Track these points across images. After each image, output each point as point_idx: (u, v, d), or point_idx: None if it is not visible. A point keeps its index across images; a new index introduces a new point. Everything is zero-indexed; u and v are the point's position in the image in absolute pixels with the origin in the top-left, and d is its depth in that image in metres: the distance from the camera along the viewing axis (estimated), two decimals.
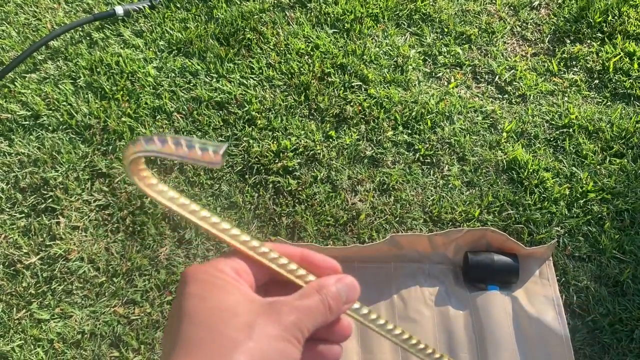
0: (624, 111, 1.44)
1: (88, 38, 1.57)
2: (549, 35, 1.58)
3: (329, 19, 1.58)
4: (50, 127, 1.42)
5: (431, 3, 1.62)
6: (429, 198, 1.32)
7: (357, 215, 1.30)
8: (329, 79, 1.48)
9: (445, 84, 1.49)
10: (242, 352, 0.31)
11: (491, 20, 1.59)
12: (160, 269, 1.24)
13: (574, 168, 1.35)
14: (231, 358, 0.31)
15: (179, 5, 1.61)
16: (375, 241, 1.25)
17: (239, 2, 1.62)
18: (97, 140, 1.39)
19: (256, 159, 1.36)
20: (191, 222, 0.38)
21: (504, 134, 1.40)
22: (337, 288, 0.37)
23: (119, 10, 1.56)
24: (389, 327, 0.39)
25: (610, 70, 1.50)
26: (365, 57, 1.52)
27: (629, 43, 1.54)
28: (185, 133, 1.40)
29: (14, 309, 1.21)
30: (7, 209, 1.32)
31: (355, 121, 1.42)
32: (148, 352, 1.17)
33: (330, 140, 1.39)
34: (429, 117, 1.42)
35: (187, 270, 0.35)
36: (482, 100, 1.46)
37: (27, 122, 1.43)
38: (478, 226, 1.28)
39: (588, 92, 1.48)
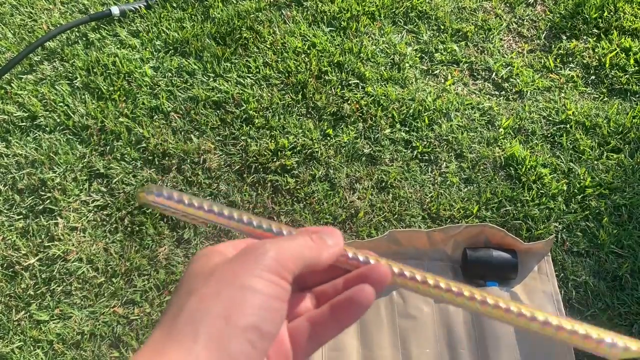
0: (620, 107, 1.44)
1: (84, 39, 1.56)
2: (545, 32, 1.58)
3: (325, 17, 1.58)
4: (47, 128, 1.41)
5: (427, 0, 1.62)
6: (427, 195, 1.32)
7: (355, 213, 1.30)
8: (326, 78, 1.48)
9: (442, 81, 1.49)
10: (196, 299, 0.31)
11: (487, 17, 1.60)
12: (160, 268, 1.24)
13: (571, 164, 1.36)
14: (186, 307, 0.31)
15: (175, 4, 1.61)
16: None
17: (235, 1, 1.62)
18: (95, 140, 1.39)
19: (254, 158, 1.36)
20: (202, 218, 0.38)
21: (502, 131, 1.40)
22: (320, 231, 0.37)
23: (115, 10, 1.55)
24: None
25: (607, 66, 1.50)
26: (362, 55, 1.52)
27: (625, 39, 1.54)
28: (182, 133, 1.40)
29: (13, 310, 1.21)
30: (5, 211, 1.31)
31: (352, 119, 1.42)
32: None
33: (328, 138, 1.39)
34: (426, 114, 1.42)
35: (198, 251, 0.35)
36: (479, 97, 1.47)
37: (24, 123, 1.42)
38: (476, 222, 1.28)
39: (585, 88, 1.48)
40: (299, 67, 1.49)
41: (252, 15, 1.58)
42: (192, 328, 0.30)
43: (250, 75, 1.49)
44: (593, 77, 1.50)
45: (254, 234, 0.38)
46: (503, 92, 1.48)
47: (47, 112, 1.43)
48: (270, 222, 0.38)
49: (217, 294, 0.31)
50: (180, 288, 0.33)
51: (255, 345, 0.30)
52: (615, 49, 1.52)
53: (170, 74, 1.49)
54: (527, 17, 1.60)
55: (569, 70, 1.51)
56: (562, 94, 1.47)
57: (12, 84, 1.48)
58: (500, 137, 1.39)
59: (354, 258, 0.38)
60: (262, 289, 0.31)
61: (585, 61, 1.52)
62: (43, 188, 1.33)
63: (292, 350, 0.35)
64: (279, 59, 1.51)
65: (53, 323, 1.19)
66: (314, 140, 1.38)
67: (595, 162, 1.36)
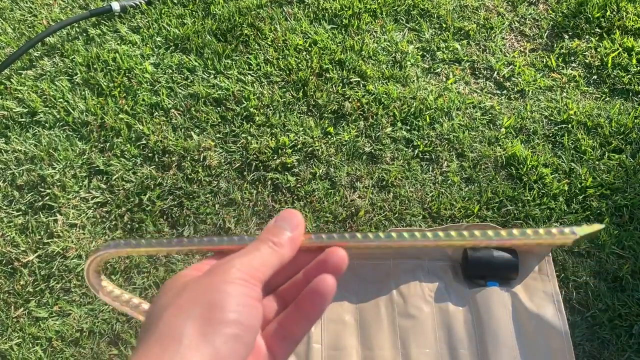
0: (622, 107, 1.44)
1: (84, 34, 1.56)
2: (548, 31, 1.58)
3: (326, 14, 1.58)
4: (47, 124, 1.41)
5: None
6: (428, 194, 1.32)
7: (356, 211, 1.29)
8: (327, 75, 1.47)
9: (444, 79, 1.49)
10: (176, 304, 0.32)
11: (489, 16, 1.59)
12: (159, 266, 1.24)
13: (572, 164, 1.35)
14: (165, 313, 0.32)
15: (175, 1, 1.60)
16: None
17: None
18: (95, 137, 1.39)
19: (254, 156, 1.36)
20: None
21: (503, 130, 1.40)
22: (276, 223, 0.38)
23: (116, 6, 1.55)
24: (347, 234, 0.39)
25: (609, 65, 1.49)
26: (363, 53, 1.51)
27: (628, 38, 1.54)
28: (183, 130, 1.40)
29: (12, 307, 1.20)
30: (4, 207, 1.31)
31: (353, 117, 1.41)
32: None
33: (329, 136, 1.39)
34: (427, 113, 1.41)
35: (161, 288, 0.38)
36: (480, 96, 1.46)
37: (23, 119, 1.42)
38: (477, 222, 1.27)
39: (587, 88, 1.48)
40: (300, 65, 1.48)
41: (253, 12, 1.57)
42: (175, 332, 0.31)
43: (251, 72, 1.48)
44: (595, 76, 1.49)
45: (217, 250, 0.40)
46: (505, 91, 1.47)
47: (47, 108, 1.43)
48: (225, 236, 0.41)
49: (195, 300, 0.33)
50: (153, 309, 0.35)
51: (240, 338, 0.32)
52: (618, 49, 1.52)
53: (170, 71, 1.48)
54: (529, 16, 1.60)
55: (571, 69, 1.50)
56: (564, 94, 1.46)
57: (11, 80, 1.47)
58: (502, 137, 1.39)
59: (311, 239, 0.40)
60: (237, 290, 0.33)
61: (587, 61, 1.51)
62: (42, 184, 1.33)
63: (270, 354, 0.37)
64: (280, 56, 1.50)
65: (52, 320, 1.19)
66: (315, 139, 1.38)
67: (597, 162, 1.36)
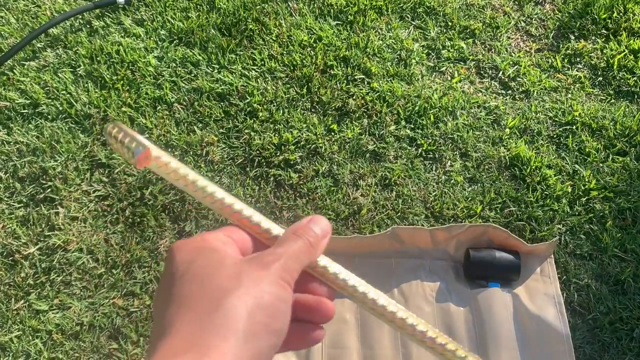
0: (627, 109, 1.43)
1: (88, 26, 1.55)
2: (554, 31, 1.57)
3: (332, 10, 1.57)
4: (49, 116, 1.40)
5: None
6: (431, 193, 1.31)
7: (358, 210, 1.29)
8: (332, 72, 1.46)
9: (449, 78, 1.48)
10: (234, 298, 0.32)
11: (495, 15, 1.58)
12: (160, 261, 1.23)
13: (576, 165, 1.35)
14: (224, 304, 0.32)
15: None
16: None
17: None
18: (97, 130, 1.38)
19: (257, 152, 1.35)
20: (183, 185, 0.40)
21: (507, 130, 1.39)
22: (312, 226, 0.38)
23: None
24: (360, 289, 0.40)
25: (615, 67, 1.49)
26: (368, 50, 1.50)
27: (634, 40, 1.53)
28: (186, 124, 1.39)
29: (12, 299, 1.20)
30: (6, 199, 1.30)
31: (357, 115, 1.41)
32: (147, 344, 1.16)
33: (332, 133, 1.38)
34: (431, 111, 1.41)
35: (174, 244, 0.37)
36: (485, 95, 1.46)
37: (26, 111, 1.41)
38: (480, 222, 1.27)
39: (592, 89, 1.47)
40: (304, 61, 1.48)
41: (258, 7, 1.56)
42: (225, 328, 0.31)
43: (255, 67, 1.47)
44: (600, 78, 1.49)
45: (242, 225, 0.39)
46: (509, 92, 1.46)
47: (50, 100, 1.42)
48: (260, 217, 0.39)
49: (243, 300, 0.32)
50: (171, 285, 0.34)
51: (275, 347, 0.33)
52: (624, 51, 1.51)
53: (174, 64, 1.47)
54: (535, 16, 1.59)
55: (577, 70, 1.50)
56: (569, 95, 1.46)
57: (14, 71, 1.46)
58: (506, 137, 1.39)
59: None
60: (277, 293, 0.34)
61: (593, 62, 1.51)
62: (44, 177, 1.32)
63: None
64: (285, 52, 1.50)
65: (52, 313, 1.18)
66: (318, 135, 1.37)
67: (601, 164, 1.35)
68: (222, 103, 1.42)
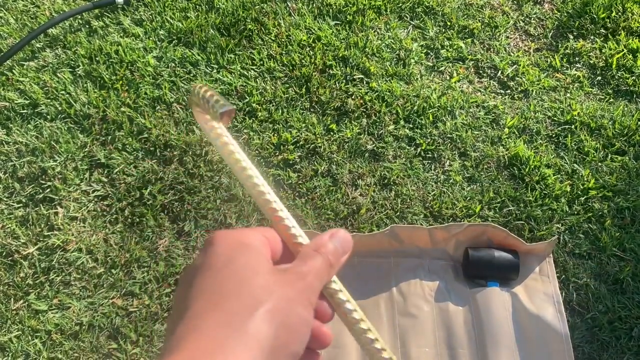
0: (626, 108, 1.43)
1: (87, 26, 1.55)
2: (552, 31, 1.57)
3: (331, 10, 1.57)
4: (48, 116, 1.40)
5: None
6: (430, 193, 1.32)
7: (357, 209, 1.29)
8: (331, 72, 1.46)
9: (448, 78, 1.48)
10: (267, 312, 0.32)
11: (494, 15, 1.58)
12: (159, 260, 1.23)
13: (575, 165, 1.35)
14: (256, 316, 0.32)
15: None
16: None
17: None
18: (96, 130, 1.38)
19: (256, 152, 1.35)
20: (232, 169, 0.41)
21: (506, 130, 1.40)
22: (334, 243, 0.38)
23: None
24: (357, 317, 0.39)
25: (613, 66, 1.49)
26: (367, 49, 1.50)
27: (633, 40, 1.53)
28: (185, 124, 1.39)
29: (12, 299, 1.20)
30: (5, 199, 1.30)
31: (356, 115, 1.41)
32: (146, 344, 1.16)
33: (331, 133, 1.38)
34: (430, 111, 1.41)
35: (216, 234, 0.36)
36: (484, 95, 1.46)
37: (25, 111, 1.41)
38: (479, 222, 1.27)
39: (590, 89, 1.47)
40: (303, 61, 1.48)
41: (257, 7, 1.57)
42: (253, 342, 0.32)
43: (254, 67, 1.48)
44: (599, 77, 1.49)
45: (272, 218, 0.39)
46: (508, 91, 1.47)
47: (49, 100, 1.42)
48: (290, 218, 0.40)
49: (276, 313, 0.33)
50: (204, 275, 0.34)
51: None
52: (623, 50, 1.51)
53: (173, 64, 1.48)
54: (534, 16, 1.59)
55: (575, 70, 1.50)
56: (568, 94, 1.46)
57: (13, 71, 1.46)
58: (505, 137, 1.39)
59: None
60: (303, 316, 0.34)
61: (591, 61, 1.51)
62: (43, 177, 1.32)
63: None
64: (284, 52, 1.50)
65: (51, 313, 1.19)
66: (317, 135, 1.37)
67: (600, 163, 1.35)
68: None
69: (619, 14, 1.57)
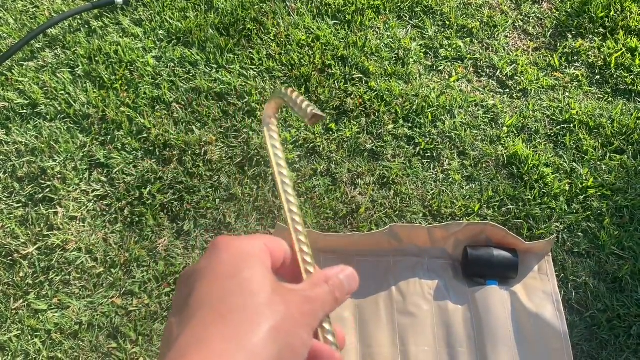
0: (624, 107, 1.44)
1: (87, 26, 1.55)
2: (551, 30, 1.57)
3: (330, 10, 1.57)
4: (48, 116, 1.40)
5: None
6: (429, 192, 1.32)
7: (356, 208, 1.29)
8: (330, 71, 1.47)
9: (447, 77, 1.49)
10: (274, 331, 0.32)
11: (493, 14, 1.59)
12: (159, 260, 1.24)
13: (574, 164, 1.35)
14: (259, 332, 0.32)
15: None
16: None
17: None
18: (96, 129, 1.38)
19: (256, 151, 1.35)
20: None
21: (505, 129, 1.40)
22: (342, 279, 0.38)
23: None
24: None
25: (612, 65, 1.49)
26: (366, 49, 1.51)
27: (631, 39, 1.53)
28: (184, 124, 1.39)
29: (11, 299, 1.20)
30: (5, 199, 1.31)
31: (355, 114, 1.41)
32: (146, 343, 1.16)
33: (330, 133, 1.39)
34: (429, 110, 1.41)
35: (219, 239, 0.36)
36: (483, 94, 1.46)
37: (24, 111, 1.41)
38: (478, 221, 1.27)
39: (589, 88, 1.47)
40: (302, 60, 1.48)
41: (256, 7, 1.57)
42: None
43: (253, 67, 1.48)
44: (598, 76, 1.49)
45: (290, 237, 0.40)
46: (507, 90, 1.47)
47: (48, 100, 1.42)
48: (300, 225, 0.41)
49: (282, 334, 0.33)
50: (209, 284, 0.34)
51: None
52: (621, 49, 1.51)
53: (172, 64, 1.48)
54: (533, 15, 1.59)
55: (574, 69, 1.50)
56: (567, 93, 1.46)
57: (13, 71, 1.46)
58: (504, 135, 1.39)
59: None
60: (305, 340, 0.34)
61: (590, 60, 1.51)
62: (43, 176, 1.33)
63: None
64: (283, 52, 1.50)
65: (51, 312, 1.19)
66: (316, 135, 1.37)
67: (598, 162, 1.36)
68: (220, 102, 1.43)
69: (618, 13, 1.57)
